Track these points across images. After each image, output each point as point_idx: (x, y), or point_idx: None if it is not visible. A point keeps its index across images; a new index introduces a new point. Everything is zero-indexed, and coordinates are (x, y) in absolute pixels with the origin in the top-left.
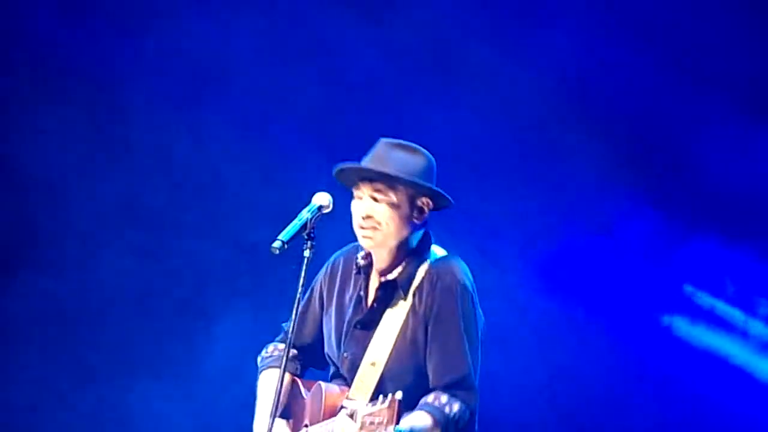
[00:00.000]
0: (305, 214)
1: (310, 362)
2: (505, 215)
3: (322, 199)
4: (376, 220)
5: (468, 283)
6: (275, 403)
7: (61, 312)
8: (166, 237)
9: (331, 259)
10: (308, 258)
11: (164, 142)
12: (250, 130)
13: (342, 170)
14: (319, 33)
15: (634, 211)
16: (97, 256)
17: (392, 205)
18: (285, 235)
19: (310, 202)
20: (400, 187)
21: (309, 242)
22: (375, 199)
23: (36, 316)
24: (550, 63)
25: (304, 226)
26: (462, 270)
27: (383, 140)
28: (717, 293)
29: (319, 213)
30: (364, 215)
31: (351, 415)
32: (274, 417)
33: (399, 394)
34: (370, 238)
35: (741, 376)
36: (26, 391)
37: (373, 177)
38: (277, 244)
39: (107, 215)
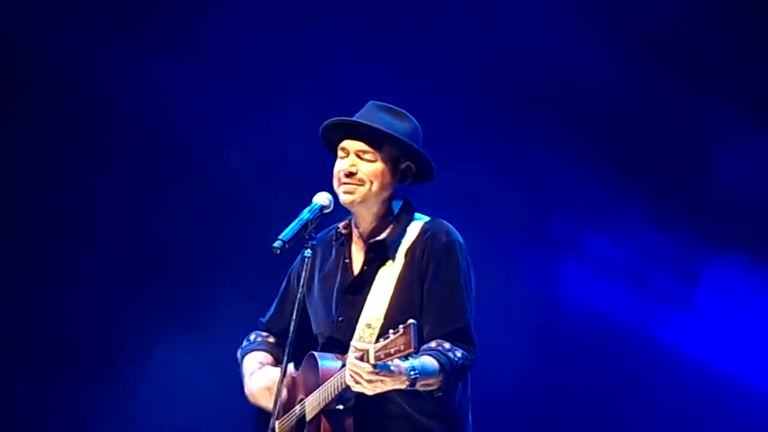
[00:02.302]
0: (306, 214)
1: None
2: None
3: (323, 198)
4: (358, 178)
5: (463, 242)
6: (277, 402)
7: (50, 309)
8: (153, 232)
9: None
10: (309, 258)
11: (153, 138)
12: (245, 125)
13: (329, 126)
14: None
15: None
16: (82, 252)
17: (376, 165)
18: (285, 234)
19: (310, 201)
20: (385, 147)
21: (309, 242)
22: (359, 157)
23: (27, 315)
24: (554, 76)
25: (304, 226)
26: (455, 230)
27: (372, 102)
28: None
29: (320, 213)
30: (346, 171)
31: (360, 358)
32: (275, 417)
33: (412, 320)
34: (351, 193)
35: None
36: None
37: (360, 133)
38: (277, 243)
39: (90, 211)
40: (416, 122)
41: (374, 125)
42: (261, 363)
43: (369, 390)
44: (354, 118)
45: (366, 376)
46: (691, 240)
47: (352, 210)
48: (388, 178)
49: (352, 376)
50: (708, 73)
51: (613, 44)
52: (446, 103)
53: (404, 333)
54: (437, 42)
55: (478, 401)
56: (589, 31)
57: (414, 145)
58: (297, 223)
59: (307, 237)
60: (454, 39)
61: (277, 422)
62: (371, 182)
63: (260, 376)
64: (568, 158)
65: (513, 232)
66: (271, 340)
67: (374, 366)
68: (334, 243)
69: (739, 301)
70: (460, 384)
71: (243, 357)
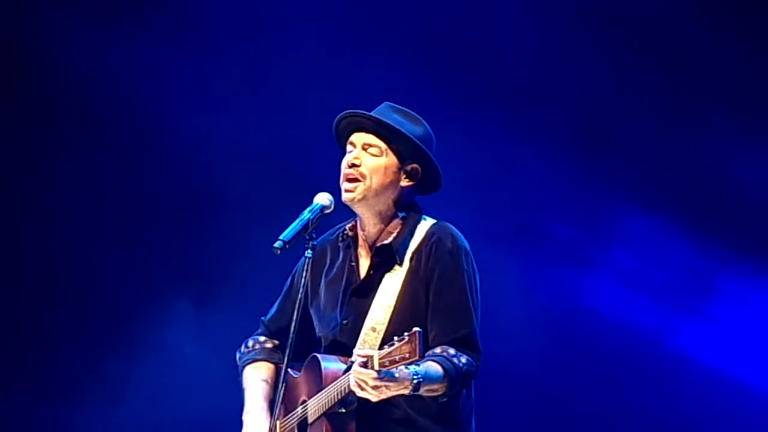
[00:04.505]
0: (307, 214)
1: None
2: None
3: (324, 199)
4: (360, 171)
5: (468, 247)
6: (277, 402)
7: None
8: (138, 229)
9: None
10: (310, 258)
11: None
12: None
13: (341, 121)
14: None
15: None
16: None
17: (380, 160)
18: (286, 234)
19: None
20: (392, 144)
21: (310, 242)
22: (365, 150)
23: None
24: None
25: (305, 226)
26: (461, 235)
27: (386, 103)
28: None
29: (320, 213)
30: (349, 163)
31: (365, 365)
32: (276, 417)
33: (417, 328)
34: (351, 191)
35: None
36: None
37: (369, 127)
38: (278, 243)
39: (76, 211)
40: (429, 129)
41: (383, 119)
42: (265, 381)
43: (374, 396)
44: (364, 112)
45: (371, 383)
46: (706, 248)
47: (354, 209)
48: (390, 176)
49: (357, 383)
50: (723, 79)
51: (622, 43)
52: (448, 108)
53: (409, 341)
54: (432, 44)
55: (491, 404)
56: (596, 33)
57: (421, 145)
58: (298, 223)
59: (307, 237)
60: (450, 42)
61: (278, 422)
62: (371, 177)
63: (255, 421)
64: (582, 165)
65: (527, 238)
66: (269, 345)
67: (378, 372)
68: (340, 244)
69: (755, 309)
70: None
71: (243, 367)
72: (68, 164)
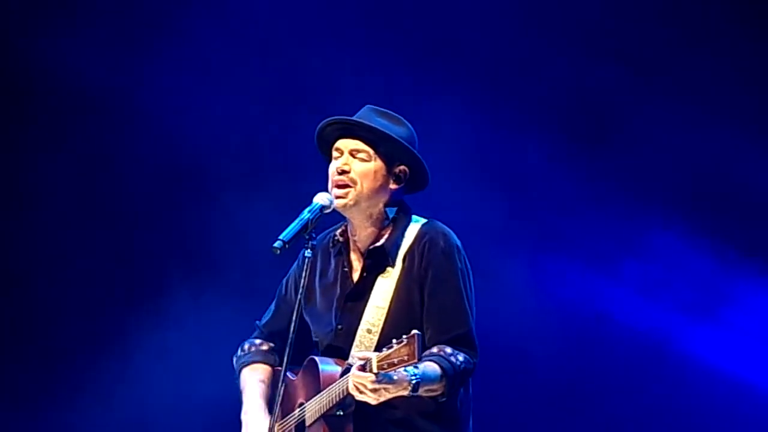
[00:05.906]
0: (306, 214)
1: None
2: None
3: (324, 198)
4: (350, 177)
5: (460, 245)
6: (277, 403)
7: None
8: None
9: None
10: (309, 258)
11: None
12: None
13: (324, 127)
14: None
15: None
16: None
17: (369, 165)
18: (286, 234)
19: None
20: (380, 148)
21: (310, 242)
22: (353, 156)
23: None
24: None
25: (305, 226)
26: (452, 233)
27: (368, 106)
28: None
29: (320, 213)
30: (339, 170)
31: (363, 367)
32: (275, 418)
33: (416, 331)
34: (343, 197)
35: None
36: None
37: (355, 132)
38: (277, 243)
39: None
40: (412, 128)
41: (370, 124)
42: (262, 381)
43: (372, 399)
44: (350, 118)
45: (370, 386)
46: (719, 252)
47: (347, 215)
48: (380, 180)
49: (356, 386)
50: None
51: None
52: (453, 109)
53: (408, 343)
54: (431, 41)
55: (497, 403)
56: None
57: (409, 146)
58: (297, 224)
59: (307, 237)
60: (452, 45)
61: (276, 425)
62: (362, 182)
63: (254, 421)
64: (589, 170)
65: (538, 242)
66: (265, 347)
67: (376, 375)
68: (331, 249)
69: (763, 311)
70: None
71: (240, 370)
72: (67, 162)
